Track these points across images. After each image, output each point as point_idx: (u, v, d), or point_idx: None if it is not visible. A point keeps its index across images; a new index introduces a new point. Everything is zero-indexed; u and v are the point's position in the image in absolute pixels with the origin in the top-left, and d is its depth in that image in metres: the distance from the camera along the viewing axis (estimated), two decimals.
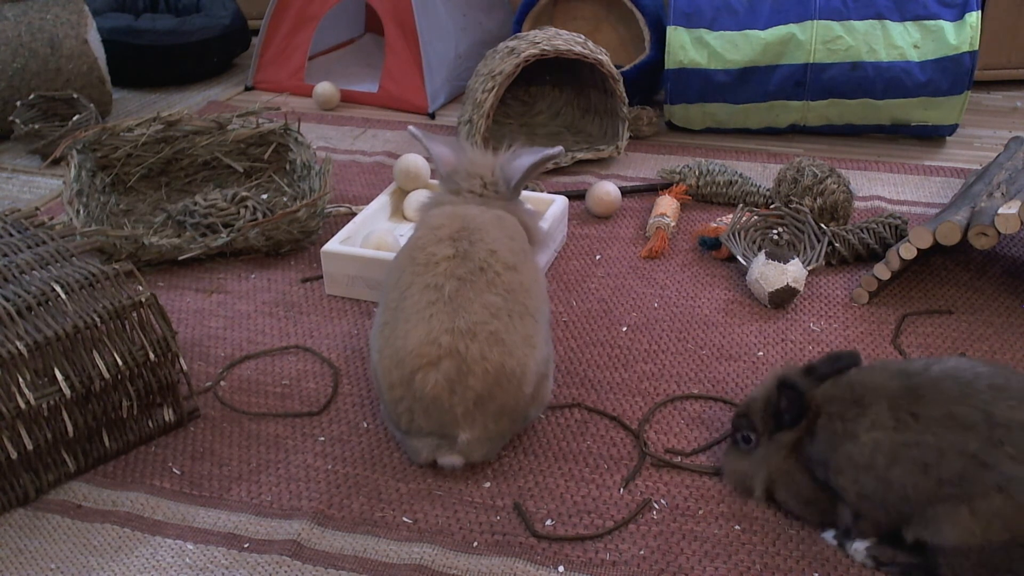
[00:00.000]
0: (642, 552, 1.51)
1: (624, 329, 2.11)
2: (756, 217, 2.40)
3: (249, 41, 4.08)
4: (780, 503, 1.57)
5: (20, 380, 1.54)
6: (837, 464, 1.43)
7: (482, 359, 1.55)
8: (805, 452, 1.49)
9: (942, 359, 1.46)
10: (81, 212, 2.33)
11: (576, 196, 2.70)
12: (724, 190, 2.65)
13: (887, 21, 2.91)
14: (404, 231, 2.39)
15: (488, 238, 1.71)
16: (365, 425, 1.82)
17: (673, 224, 2.48)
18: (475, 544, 1.53)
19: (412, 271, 1.66)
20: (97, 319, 1.60)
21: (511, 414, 1.62)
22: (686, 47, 2.99)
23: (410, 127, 2.02)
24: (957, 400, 1.36)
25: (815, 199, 2.39)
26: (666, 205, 2.53)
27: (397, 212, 2.54)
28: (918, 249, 2.08)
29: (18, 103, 3.11)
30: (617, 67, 2.89)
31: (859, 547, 1.48)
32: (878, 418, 1.40)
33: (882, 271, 2.14)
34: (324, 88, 3.50)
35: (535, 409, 1.70)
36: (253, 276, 2.35)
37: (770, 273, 2.13)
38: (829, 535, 1.51)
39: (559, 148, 1.93)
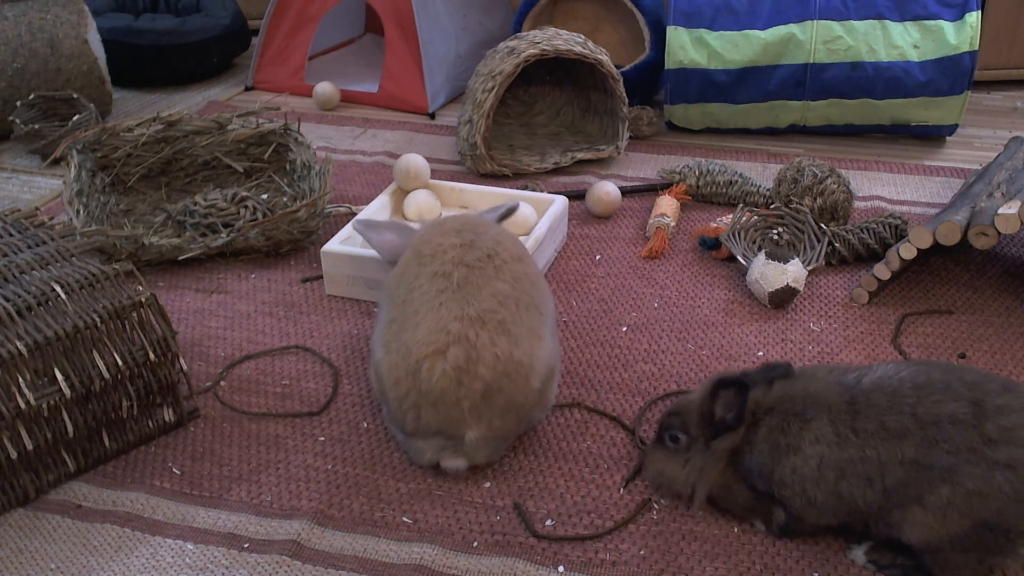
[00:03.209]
0: (642, 552, 1.51)
1: (624, 329, 2.11)
2: (756, 217, 2.40)
3: (249, 41, 4.08)
4: (719, 507, 1.58)
5: (20, 380, 1.54)
6: (782, 477, 1.44)
7: (492, 345, 1.55)
8: (744, 462, 1.48)
9: (872, 368, 1.47)
10: (81, 212, 2.33)
11: (576, 196, 2.70)
12: (724, 190, 2.65)
13: (887, 21, 2.91)
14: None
15: (492, 231, 1.74)
16: (365, 425, 1.82)
17: (673, 224, 2.48)
18: (475, 544, 1.53)
19: (419, 263, 1.67)
20: (97, 319, 1.60)
21: (518, 410, 1.61)
22: (686, 47, 2.99)
23: (353, 222, 2.04)
24: (887, 410, 1.38)
25: (815, 199, 2.39)
26: (666, 205, 2.53)
27: (397, 212, 2.54)
28: (918, 249, 2.08)
29: (18, 103, 3.11)
30: (617, 67, 2.89)
31: (858, 553, 1.48)
32: (821, 433, 1.41)
33: (882, 271, 2.14)
34: (324, 88, 3.50)
35: (540, 410, 1.70)
36: (253, 276, 2.35)
37: (770, 273, 2.13)
38: (859, 553, 1.49)
39: (514, 202, 2.05)
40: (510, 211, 2.03)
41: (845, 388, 1.44)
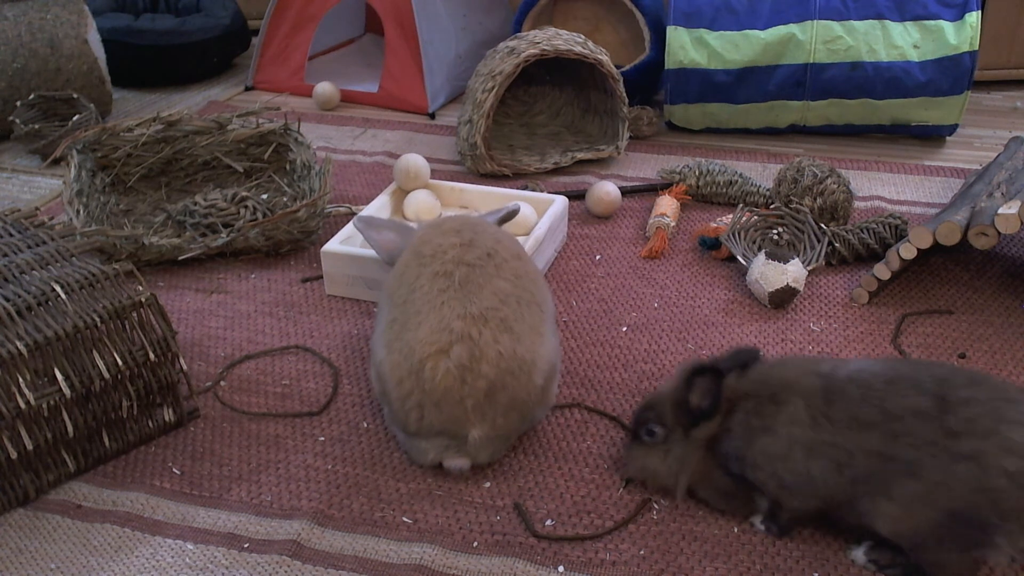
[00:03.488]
0: (642, 552, 1.51)
1: (624, 329, 2.11)
2: (756, 217, 2.40)
3: (249, 41, 4.08)
4: (701, 499, 1.59)
5: (20, 380, 1.54)
6: (754, 458, 1.46)
7: (495, 343, 1.55)
8: (721, 448, 1.50)
9: (847, 362, 1.49)
10: (81, 212, 2.33)
11: (576, 196, 2.70)
12: (724, 190, 2.65)
13: (887, 21, 2.91)
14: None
15: (490, 231, 1.75)
16: (365, 425, 1.82)
17: (673, 224, 2.48)
18: (475, 544, 1.53)
19: (419, 263, 1.67)
20: (97, 319, 1.60)
21: (521, 408, 1.61)
22: (686, 47, 2.99)
23: (354, 219, 2.00)
24: (858, 402, 1.41)
25: (815, 199, 2.39)
26: (666, 205, 2.53)
27: (397, 212, 2.54)
28: (918, 249, 2.08)
29: (18, 103, 3.11)
30: (617, 67, 2.89)
31: (858, 553, 1.49)
32: (795, 415, 1.43)
33: (882, 271, 2.14)
34: (324, 88, 3.50)
35: (541, 409, 1.70)
36: (253, 276, 2.35)
37: (770, 273, 2.13)
38: (859, 553, 1.50)
39: (515, 204, 2.06)
40: (511, 214, 2.03)
41: (821, 376, 1.46)
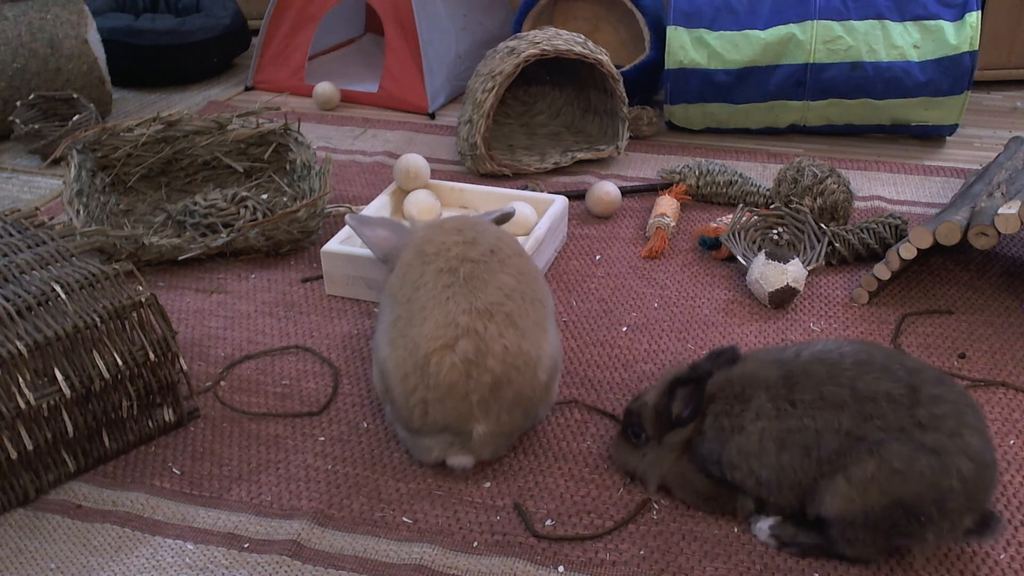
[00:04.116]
0: (642, 552, 1.51)
1: (624, 329, 2.11)
2: (756, 217, 2.40)
3: (249, 41, 4.08)
4: (679, 500, 1.60)
5: (20, 380, 1.54)
6: (730, 459, 1.47)
7: (500, 337, 1.56)
8: (697, 452, 1.51)
9: (811, 343, 1.51)
10: (81, 212, 2.33)
11: (576, 196, 2.70)
12: (724, 190, 2.65)
13: (887, 21, 2.91)
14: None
15: (491, 229, 1.76)
16: (365, 425, 1.82)
17: (673, 224, 2.48)
18: (475, 544, 1.53)
19: (422, 261, 1.68)
20: (97, 319, 1.60)
21: (525, 404, 1.61)
22: (686, 47, 2.99)
23: (347, 217, 2.00)
24: (826, 381, 1.42)
25: (815, 199, 2.39)
26: (666, 205, 2.53)
27: (397, 212, 2.54)
28: (918, 249, 2.08)
29: (18, 103, 3.11)
30: (617, 67, 2.89)
31: (763, 526, 1.50)
32: (761, 408, 1.45)
33: (882, 271, 2.14)
34: (324, 88, 3.50)
35: (544, 407, 1.70)
36: (253, 276, 2.35)
37: (770, 273, 2.13)
38: (763, 534, 1.52)
39: (511, 207, 2.05)
40: (506, 216, 2.03)
41: (781, 363, 1.48)
